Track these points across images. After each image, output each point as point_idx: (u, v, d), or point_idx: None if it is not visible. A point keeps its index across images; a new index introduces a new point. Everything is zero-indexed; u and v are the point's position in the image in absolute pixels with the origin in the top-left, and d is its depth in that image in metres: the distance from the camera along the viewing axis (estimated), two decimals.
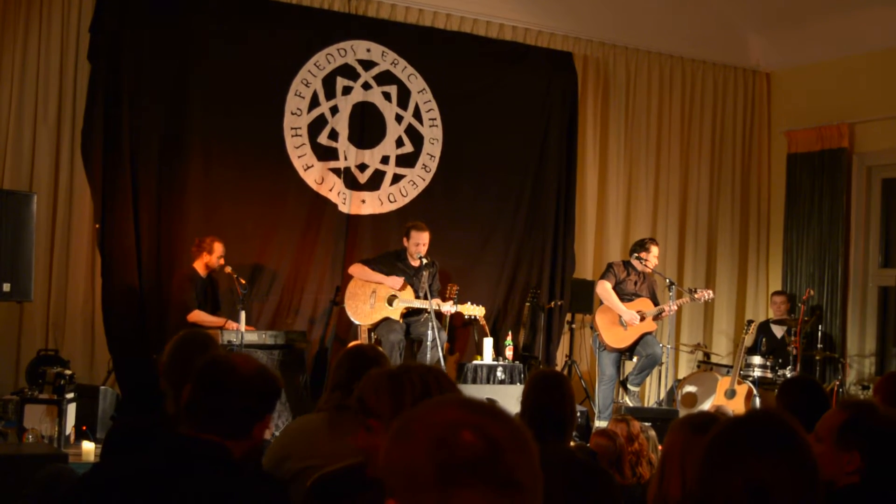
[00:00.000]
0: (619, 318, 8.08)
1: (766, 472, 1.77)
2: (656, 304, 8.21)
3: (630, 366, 8.41)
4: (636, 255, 8.22)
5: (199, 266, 7.26)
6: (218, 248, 7.26)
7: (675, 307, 8.11)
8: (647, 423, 5.14)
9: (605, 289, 8.14)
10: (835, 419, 2.70)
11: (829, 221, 9.50)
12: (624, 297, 8.14)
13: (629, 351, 8.19)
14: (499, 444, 1.29)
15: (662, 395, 8.35)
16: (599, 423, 7.91)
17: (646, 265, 8.18)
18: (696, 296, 8.19)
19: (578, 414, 5.66)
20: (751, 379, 8.31)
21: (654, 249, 8.24)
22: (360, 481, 2.32)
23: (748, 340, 8.39)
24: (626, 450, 4.34)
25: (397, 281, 7.66)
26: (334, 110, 8.34)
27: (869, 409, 2.75)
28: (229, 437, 2.32)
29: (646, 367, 8.16)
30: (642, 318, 8.06)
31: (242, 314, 6.88)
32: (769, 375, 8.43)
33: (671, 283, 8.10)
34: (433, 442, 1.29)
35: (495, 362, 7.96)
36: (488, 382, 7.79)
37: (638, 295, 8.19)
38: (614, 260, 8.51)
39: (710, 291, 8.41)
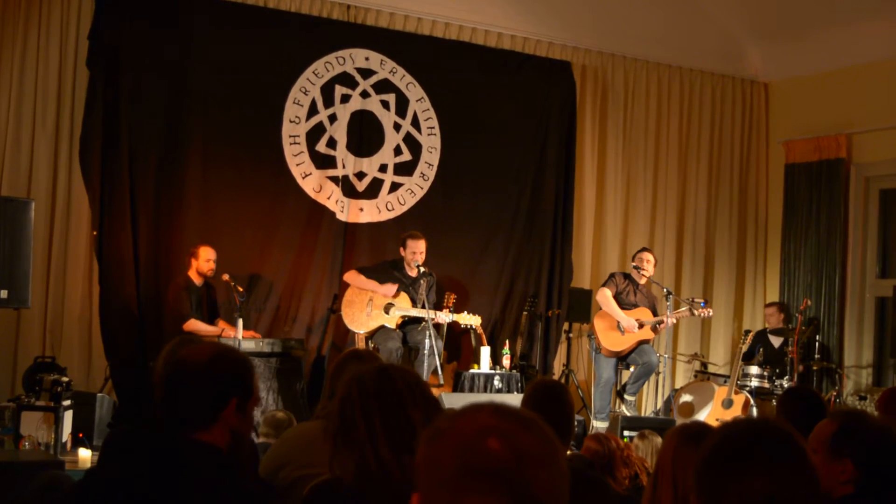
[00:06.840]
0: (617, 324, 8.11)
1: (775, 486, 1.74)
2: (656, 316, 8.25)
3: (627, 375, 8.41)
4: (634, 265, 8.33)
5: (193, 274, 7.26)
6: (204, 252, 7.24)
7: (674, 319, 8.13)
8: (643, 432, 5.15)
9: (605, 296, 8.19)
10: (826, 429, 2.70)
11: (827, 232, 9.50)
12: (624, 307, 8.19)
13: (625, 358, 8.21)
14: (524, 457, 1.30)
15: (659, 404, 8.36)
16: (596, 424, 7.93)
17: (643, 273, 8.23)
18: (696, 312, 8.21)
19: (576, 423, 5.65)
20: (748, 389, 8.31)
21: (646, 256, 8.33)
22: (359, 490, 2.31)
23: (745, 350, 8.39)
24: (616, 453, 4.34)
25: (391, 288, 7.63)
26: (333, 118, 8.34)
27: (859, 417, 2.76)
28: (194, 427, 2.30)
29: (641, 375, 8.18)
30: (640, 326, 8.08)
31: (240, 322, 6.88)
32: (766, 385, 8.43)
33: (668, 293, 8.13)
34: (461, 444, 1.32)
35: (492, 371, 7.96)
36: (485, 391, 7.78)
37: (637, 306, 8.23)
38: (614, 270, 8.58)
39: (710, 310, 8.40)
